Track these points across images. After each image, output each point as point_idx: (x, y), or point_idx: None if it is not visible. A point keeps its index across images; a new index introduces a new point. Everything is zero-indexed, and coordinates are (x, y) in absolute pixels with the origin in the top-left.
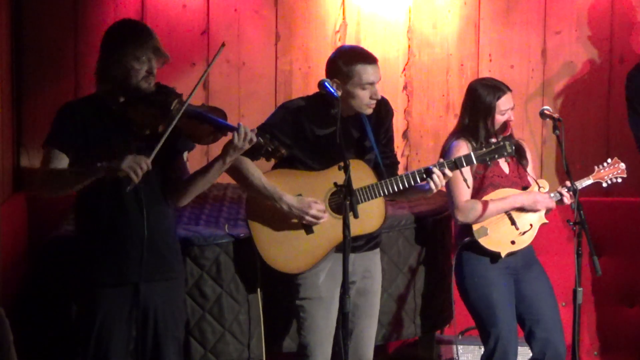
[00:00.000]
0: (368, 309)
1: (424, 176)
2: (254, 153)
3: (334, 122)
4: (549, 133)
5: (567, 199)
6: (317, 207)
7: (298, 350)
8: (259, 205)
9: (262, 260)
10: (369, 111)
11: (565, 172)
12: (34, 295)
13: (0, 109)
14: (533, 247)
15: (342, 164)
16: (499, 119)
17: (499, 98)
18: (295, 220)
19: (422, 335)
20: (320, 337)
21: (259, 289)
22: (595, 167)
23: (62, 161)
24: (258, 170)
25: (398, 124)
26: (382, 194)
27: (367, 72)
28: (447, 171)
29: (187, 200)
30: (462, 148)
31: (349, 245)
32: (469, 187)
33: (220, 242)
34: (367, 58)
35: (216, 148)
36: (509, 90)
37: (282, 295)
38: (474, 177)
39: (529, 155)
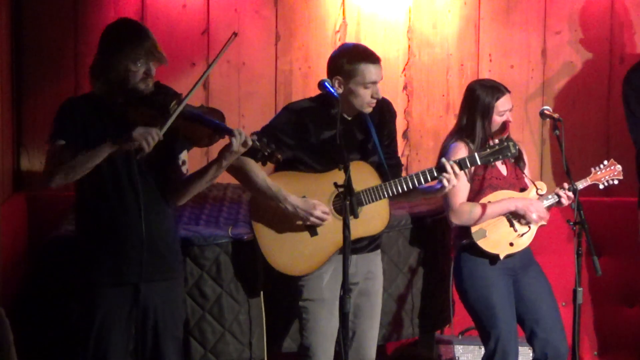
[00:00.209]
0: (370, 310)
1: (434, 175)
2: (251, 156)
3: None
4: (549, 133)
5: (565, 201)
6: (322, 209)
7: (300, 351)
8: (263, 206)
9: (265, 261)
10: (369, 110)
11: (565, 172)
12: (34, 295)
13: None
14: (531, 247)
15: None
16: (497, 120)
17: (497, 99)
18: (299, 222)
19: (422, 335)
20: (322, 339)
21: (261, 291)
22: (592, 169)
23: (67, 155)
24: (262, 171)
25: (398, 124)
26: (388, 195)
27: (370, 71)
28: (456, 168)
29: (183, 201)
30: (461, 150)
31: (349, 245)
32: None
33: (220, 242)
34: (371, 57)
35: (217, 149)
36: (508, 91)
37: (282, 295)
38: (473, 179)
39: (525, 157)
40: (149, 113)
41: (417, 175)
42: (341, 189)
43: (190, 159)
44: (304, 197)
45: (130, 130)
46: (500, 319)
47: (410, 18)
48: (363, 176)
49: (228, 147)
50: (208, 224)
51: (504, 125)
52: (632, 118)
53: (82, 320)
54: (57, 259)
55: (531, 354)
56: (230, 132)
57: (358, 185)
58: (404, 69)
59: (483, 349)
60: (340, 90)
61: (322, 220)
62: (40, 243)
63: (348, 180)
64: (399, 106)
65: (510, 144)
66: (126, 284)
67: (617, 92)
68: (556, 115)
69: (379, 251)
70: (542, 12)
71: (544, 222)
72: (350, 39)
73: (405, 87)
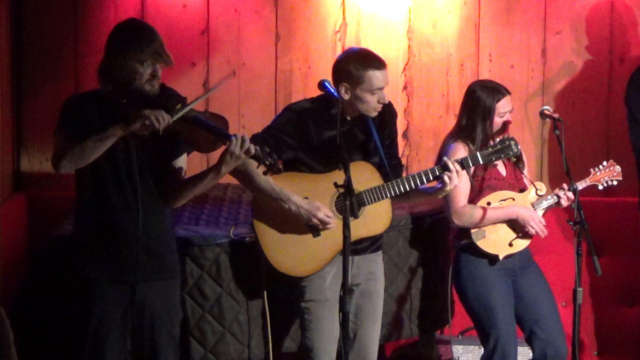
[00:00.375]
0: (372, 311)
1: (436, 175)
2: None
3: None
4: (549, 133)
5: (564, 202)
6: (326, 212)
7: (302, 352)
8: (266, 207)
9: (268, 262)
10: (375, 114)
11: (565, 172)
12: (34, 295)
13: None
14: (531, 247)
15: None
16: (498, 121)
17: (498, 100)
18: (302, 223)
19: (422, 335)
20: (325, 339)
21: (265, 292)
22: (591, 170)
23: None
24: None
25: (398, 124)
26: (390, 195)
27: (377, 77)
28: (458, 168)
29: (180, 203)
30: (460, 150)
31: (349, 245)
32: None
33: (220, 242)
34: (378, 63)
35: (216, 155)
36: (508, 92)
37: (282, 295)
38: (472, 180)
39: (525, 158)
40: None
41: (419, 174)
42: (341, 189)
43: (189, 163)
44: (306, 198)
45: (141, 114)
46: (500, 319)
47: (410, 18)
48: (365, 176)
49: (229, 152)
50: (208, 224)
51: (504, 126)
52: (632, 121)
53: (79, 318)
54: (57, 259)
55: (530, 354)
56: (230, 138)
57: (360, 186)
58: (404, 69)
59: (483, 349)
60: (347, 97)
61: (325, 223)
62: (40, 243)
63: (348, 180)
64: (399, 106)
65: (512, 143)
66: (122, 282)
67: (617, 92)
68: (556, 115)
69: (380, 252)
70: (542, 12)
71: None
72: (350, 39)
73: (405, 87)
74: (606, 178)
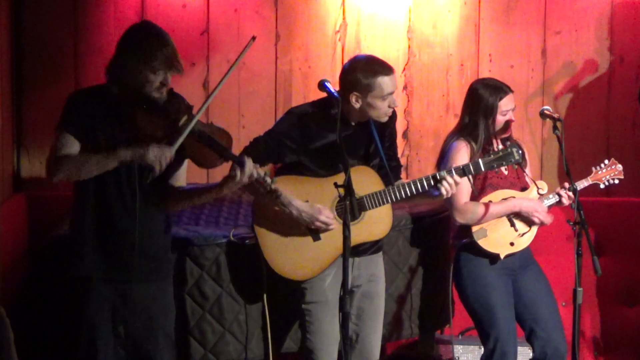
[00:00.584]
0: (373, 312)
1: (437, 180)
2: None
3: (343, 127)
4: (549, 133)
5: (566, 200)
6: (327, 214)
7: (304, 353)
8: (266, 211)
9: (268, 265)
10: (386, 119)
11: (565, 172)
12: (34, 295)
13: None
14: (531, 247)
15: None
16: (500, 119)
17: (500, 99)
18: (302, 227)
19: (422, 335)
20: (326, 341)
21: (265, 291)
22: (593, 169)
23: (74, 146)
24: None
25: (398, 124)
26: (390, 201)
27: (387, 83)
28: (456, 178)
29: (177, 209)
30: (462, 149)
31: (349, 244)
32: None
33: (220, 242)
34: (386, 69)
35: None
36: (511, 91)
37: (282, 295)
38: (474, 178)
39: (527, 156)
40: (158, 122)
41: (420, 180)
42: (341, 189)
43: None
44: (306, 201)
45: (143, 144)
46: (500, 319)
47: (410, 18)
48: (367, 181)
49: (233, 177)
50: (208, 224)
51: (507, 124)
52: None
53: (73, 316)
54: (57, 259)
55: (530, 354)
56: (237, 162)
57: (362, 190)
58: (404, 69)
59: (483, 348)
60: (358, 105)
61: (327, 225)
62: (40, 243)
63: (348, 180)
64: (399, 106)
65: (514, 150)
66: (116, 282)
67: (617, 92)
68: (556, 115)
69: (380, 253)
70: (542, 12)
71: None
72: (350, 39)
73: (405, 87)
74: (608, 177)
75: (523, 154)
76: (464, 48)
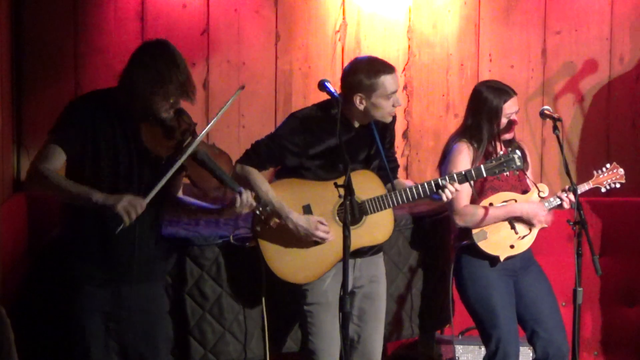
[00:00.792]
0: (375, 313)
1: (439, 185)
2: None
3: (346, 130)
4: (549, 133)
5: (567, 204)
6: (324, 228)
7: (305, 355)
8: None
9: (268, 268)
10: (390, 119)
11: (565, 172)
12: (34, 295)
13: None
14: (531, 248)
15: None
16: (503, 121)
17: (505, 101)
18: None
19: (422, 335)
20: (328, 342)
21: (264, 292)
22: (594, 172)
23: (60, 158)
24: (266, 183)
25: (398, 124)
26: (392, 205)
27: (389, 82)
28: (457, 185)
29: (170, 216)
30: (463, 151)
31: (349, 245)
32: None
33: (220, 242)
34: (387, 68)
35: None
36: (515, 93)
37: (283, 296)
38: (475, 181)
39: (529, 159)
40: (162, 141)
41: (422, 185)
42: (341, 190)
43: None
44: (308, 205)
45: (116, 200)
46: (501, 320)
47: (410, 18)
48: (369, 185)
49: (232, 207)
50: (208, 224)
51: (510, 126)
52: None
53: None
54: (57, 259)
55: (531, 355)
56: (236, 192)
57: (364, 195)
58: (404, 69)
59: (483, 349)
60: (362, 107)
61: (324, 240)
62: (40, 243)
63: (348, 180)
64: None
65: (516, 157)
66: (112, 283)
67: (617, 92)
68: (556, 115)
69: (381, 254)
70: (542, 12)
71: (545, 225)
72: (350, 39)
73: (405, 87)
74: (609, 181)
75: (525, 157)
76: (464, 48)
